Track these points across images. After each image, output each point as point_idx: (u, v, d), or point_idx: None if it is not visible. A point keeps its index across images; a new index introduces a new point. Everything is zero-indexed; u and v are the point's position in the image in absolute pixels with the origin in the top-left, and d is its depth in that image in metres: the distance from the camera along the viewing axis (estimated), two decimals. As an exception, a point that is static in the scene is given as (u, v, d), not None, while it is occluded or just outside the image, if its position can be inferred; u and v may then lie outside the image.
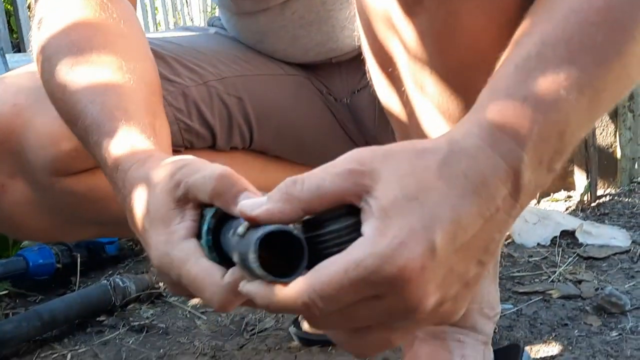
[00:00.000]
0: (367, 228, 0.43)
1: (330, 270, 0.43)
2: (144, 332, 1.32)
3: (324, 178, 0.45)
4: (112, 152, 0.63)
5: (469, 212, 0.43)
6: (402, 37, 0.63)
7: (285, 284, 0.44)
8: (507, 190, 0.45)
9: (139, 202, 0.58)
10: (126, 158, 0.61)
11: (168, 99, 0.92)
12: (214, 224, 0.52)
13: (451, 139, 0.46)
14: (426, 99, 0.67)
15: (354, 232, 0.45)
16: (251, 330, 1.26)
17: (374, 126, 1.05)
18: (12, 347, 1.24)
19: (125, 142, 0.63)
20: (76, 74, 0.70)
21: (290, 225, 0.46)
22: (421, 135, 0.71)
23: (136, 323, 1.35)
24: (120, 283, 1.43)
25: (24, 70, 0.91)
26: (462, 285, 0.46)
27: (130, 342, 1.28)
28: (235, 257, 0.47)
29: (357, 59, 0.92)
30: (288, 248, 0.46)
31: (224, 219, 0.52)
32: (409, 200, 0.43)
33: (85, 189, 0.89)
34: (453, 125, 0.59)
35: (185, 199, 0.54)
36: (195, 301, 1.43)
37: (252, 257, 0.44)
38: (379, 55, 0.70)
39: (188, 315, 1.39)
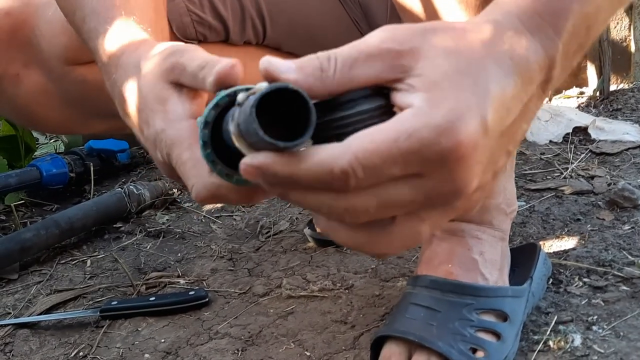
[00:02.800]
0: (415, 100, 0.39)
1: (377, 137, 0.38)
2: (161, 237, 1.34)
3: (356, 58, 0.41)
4: (107, 39, 0.61)
5: (513, 94, 0.42)
6: None
7: (288, 151, 0.39)
8: (541, 79, 0.44)
9: (131, 86, 0.55)
10: (121, 45, 0.60)
11: None
12: (214, 116, 0.46)
13: (492, 20, 0.44)
14: None
15: (386, 115, 0.41)
16: (266, 233, 1.28)
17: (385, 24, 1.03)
18: (33, 254, 1.27)
19: (123, 31, 0.61)
20: None
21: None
22: None
23: (152, 229, 1.38)
24: (135, 190, 1.44)
25: None
26: (493, 173, 0.44)
27: (148, 247, 1.30)
28: (233, 128, 0.41)
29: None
30: (286, 119, 0.40)
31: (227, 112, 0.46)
32: (461, 75, 0.40)
33: (98, 77, 0.89)
34: (473, 16, 0.57)
35: (180, 84, 0.52)
36: (209, 206, 1.45)
37: (253, 120, 0.37)
38: None
39: (203, 220, 1.40)
